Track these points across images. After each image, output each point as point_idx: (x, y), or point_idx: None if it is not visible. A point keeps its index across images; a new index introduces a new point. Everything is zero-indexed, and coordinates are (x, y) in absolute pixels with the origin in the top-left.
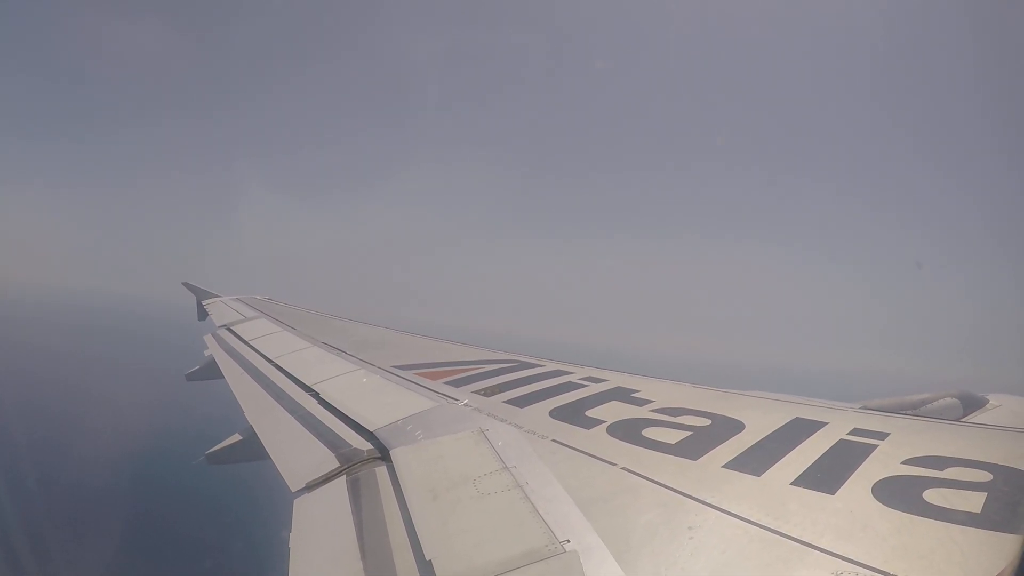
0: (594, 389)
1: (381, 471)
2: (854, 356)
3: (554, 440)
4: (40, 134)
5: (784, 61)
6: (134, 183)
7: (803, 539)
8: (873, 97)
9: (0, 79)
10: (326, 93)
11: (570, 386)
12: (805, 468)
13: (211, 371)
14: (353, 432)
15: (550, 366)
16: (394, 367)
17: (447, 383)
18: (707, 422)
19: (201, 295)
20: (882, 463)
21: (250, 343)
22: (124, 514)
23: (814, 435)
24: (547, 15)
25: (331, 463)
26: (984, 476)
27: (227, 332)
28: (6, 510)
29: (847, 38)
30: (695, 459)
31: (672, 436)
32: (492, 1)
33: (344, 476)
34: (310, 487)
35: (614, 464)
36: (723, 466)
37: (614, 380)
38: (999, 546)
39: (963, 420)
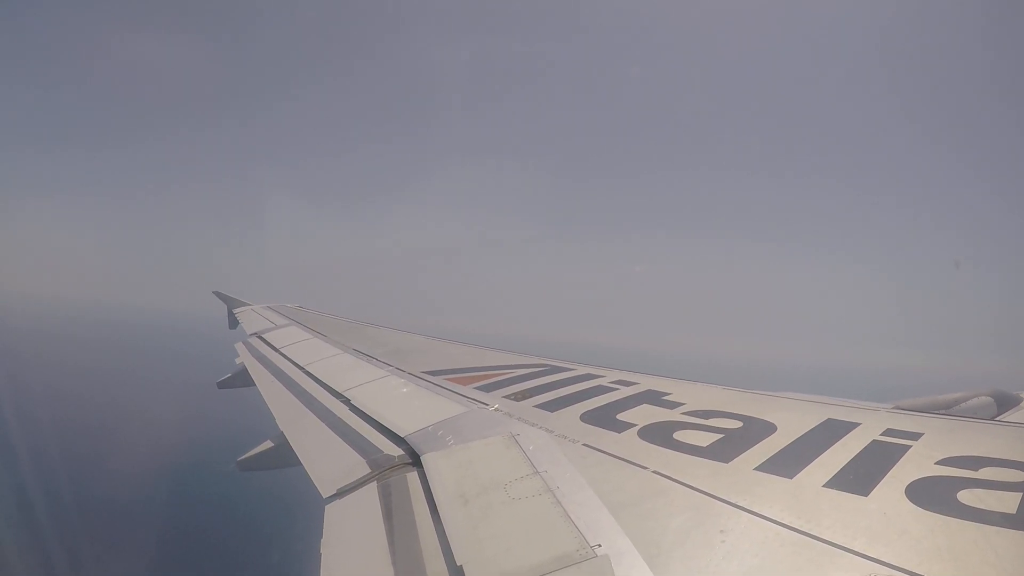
0: (625, 392)
1: (412, 477)
2: (886, 354)
3: (585, 444)
4: (73, 147)
5: (791, 61)
6: (165, 197)
7: (836, 542)
8: (899, 95)
9: (32, 91)
10: (355, 99)
11: (601, 389)
12: (838, 470)
13: (242, 379)
14: (384, 438)
15: (580, 370)
16: (424, 373)
17: (477, 388)
18: (739, 424)
19: (232, 304)
20: (916, 464)
21: (281, 350)
22: (158, 523)
23: (847, 436)
24: (555, 20)
25: (362, 469)
26: (1019, 476)
27: (258, 340)
28: (43, 525)
29: (852, 36)
30: (727, 462)
31: (704, 439)
32: (503, 7)
33: (375, 482)
34: (341, 493)
35: (645, 468)
36: (755, 468)
37: (645, 383)
38: None
39: (997, 419)
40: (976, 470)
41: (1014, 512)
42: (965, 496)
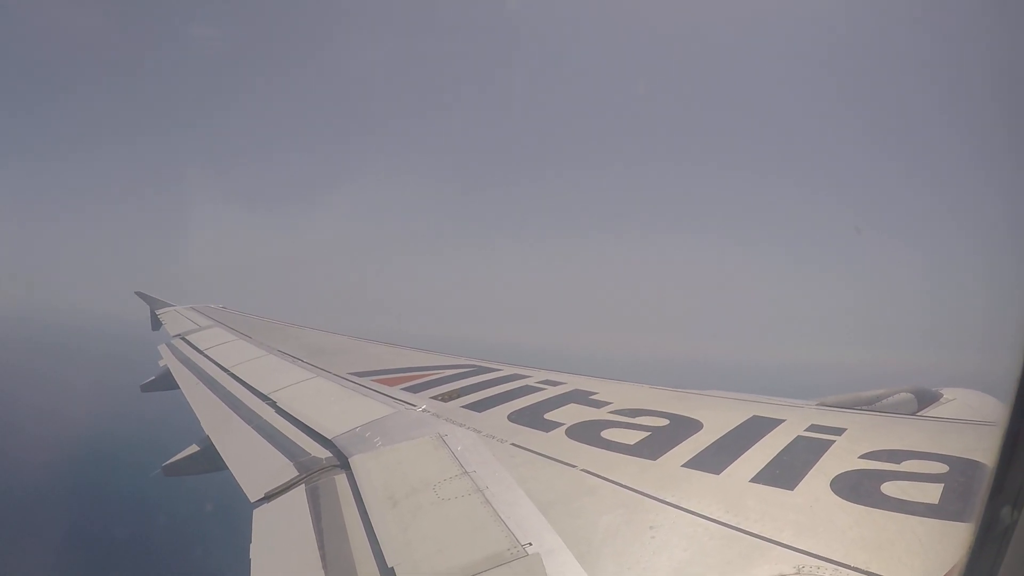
0: (552, 392)
1: (340, 479)
2: (809, 351)
3: (513, 444)
4: None
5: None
6: (84, 194)
7: (764, 535)
8: (824, 92)
9: None
10: (280, 97)
11: (528, 389)
12: (764, 465)
13: (166, 382)
14: (311, 440)
15: (507, 370)
16: (351, 374)
17: (405, 389)
18: (665, 422)
19: (154, 304)
20: (840, 458)
21: (205, 352)
22: (80, 530)
23: (772, 432)
24: (525, 11)
25: (290, 472)
26: (940, 468)
27: (181, 342)
28: None
29: (820, 42)
30: (654, 459)
31: (631, 437)
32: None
33: (303, 485)
34: (269, 497)
35: (574, 466)
36: (682, 465)
37: (572, 383)
38: (957, 535)
39: (918, 414)
40: (899, 463)
41: (936, 502)
42: (889, 488)
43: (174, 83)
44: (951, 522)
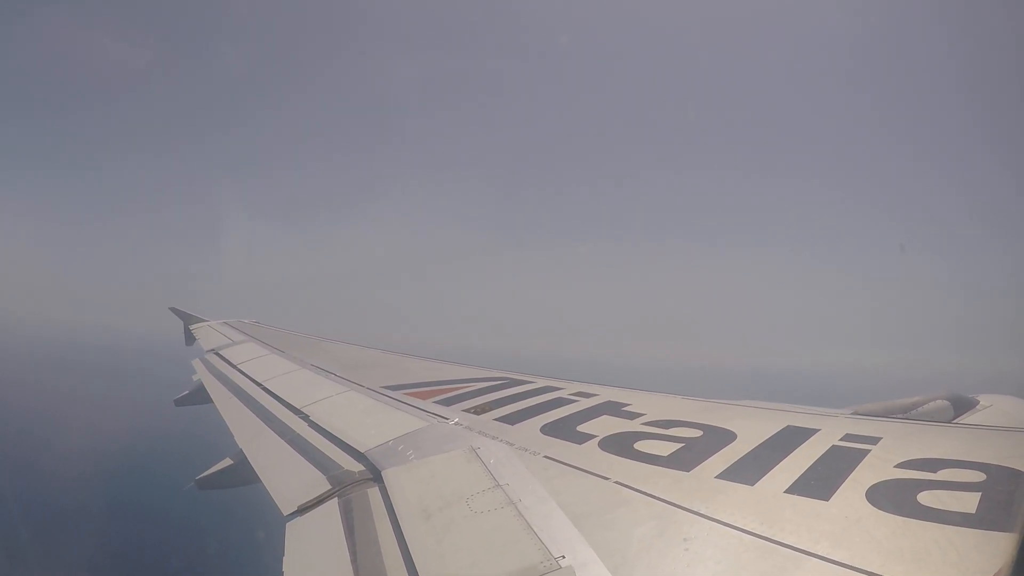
0: (585, 404)
1: (373, 492)
2: (842, 356)
3: (546, 456)
4: (17, 161)
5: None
6: (117, 212)
7: (799, 546)
8: (835, 93)
9: None
10: (310, 111)
11: (560, 402)
12: (799, 476)
13: (200, 396)
14: (344, 454)
15: (540, 382)
16: (384, 387)
17: (437, 402)
18: (699, 433)
19: (188, 320)
20: (875, 467)
21: (238, 367)
22: (116, 543)
23: (806, 442)
24: (527, 18)
25: (322, 485)
26: (978, 476)
27: (215, 356)
28: None
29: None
30: (688, 471)
31: (664, 448)
32: (472, 9)
33: (336, 498)
34: (302, 510)
35: (607, 478)
36: (716, 476)
37: (604, 394)
38: (995, 545)
39: (954, 422)
40: (935, 472)
41: (973, 512)
42: (925, 498)
43: (205, 98)
44: (989, 532)
